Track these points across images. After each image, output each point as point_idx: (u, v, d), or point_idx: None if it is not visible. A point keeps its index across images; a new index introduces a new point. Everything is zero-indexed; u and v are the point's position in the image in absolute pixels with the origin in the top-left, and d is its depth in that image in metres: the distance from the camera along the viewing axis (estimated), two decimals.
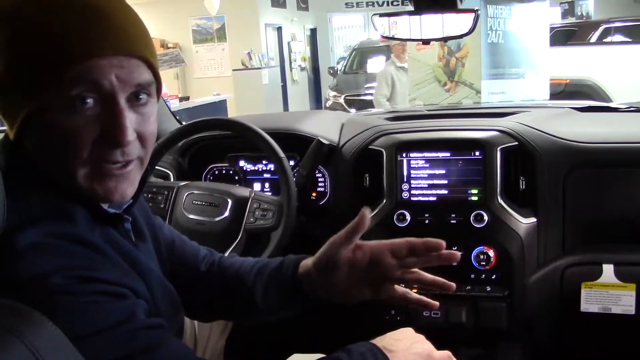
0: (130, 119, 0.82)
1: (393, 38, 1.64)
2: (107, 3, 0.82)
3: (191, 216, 1.64)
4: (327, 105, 9.17)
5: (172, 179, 1.87)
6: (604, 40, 7.59)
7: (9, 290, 0.73)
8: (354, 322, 1.67)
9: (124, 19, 0.83)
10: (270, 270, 1.17)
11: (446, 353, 1.05)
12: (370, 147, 1.70)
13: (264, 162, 1.92)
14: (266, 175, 1.92)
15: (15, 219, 0.75)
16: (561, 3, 12.70)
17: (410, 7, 1.54)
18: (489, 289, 1.59)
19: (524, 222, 1.57)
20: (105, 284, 0.78)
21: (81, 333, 0.73)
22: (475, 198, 1.60)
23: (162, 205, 1.67)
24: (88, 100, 0.79)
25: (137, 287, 0.85)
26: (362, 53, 10.34)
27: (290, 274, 1.15)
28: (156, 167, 1.80)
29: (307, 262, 1.15)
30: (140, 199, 1.02)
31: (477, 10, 1.49)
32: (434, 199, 1.64)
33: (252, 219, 1.61)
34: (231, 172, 1.94)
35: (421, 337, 1.06)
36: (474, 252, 1.59)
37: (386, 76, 6.21)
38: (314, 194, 1.84)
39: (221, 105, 9.44)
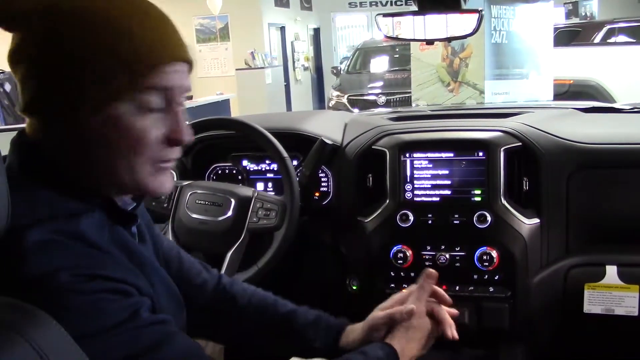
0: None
1: (397, 38, 1.64)
2: (164, 12, 0.89)
3: (194, 215, 1.64)
4: (330, 105, 9.17)
5: (175, 179, 1.87)
6: (608, 40, 7.58)
7: (16, 289, 0.73)
8: (355, 319, 1.67)
9: (173, 25, 0.90)
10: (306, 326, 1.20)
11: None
12: (373, 147, 1.70)
13: (267, 161, 1.92)
14: (269, 175, 1.92)
15: (23, 218, 0.76)
16: (565, 3, 12.69)
17: (414, 7, 1.54)
18: (491, 289, 1.59)
19: (527, 223, 1.57)
20: (111, 282, 0.79)
21: (88, 331, 0.74)
22: (478, 199, 1.60)
23: (165, 205, 1.67)
24: (157, 103, 0.86)
25: (142, 285, 0.86)
26: (365, 53, 10.33)
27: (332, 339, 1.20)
28: None
29: (355, 328, 1.21)
30: (142, 203, 1.04)
31: (481, 10, 1.49)
32: (437, 199, 1.64)
33: (255, 219, 1.61)
34: (234, 171, 1.95)
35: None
36: (477, 253, 1.58)
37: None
38: (317, 194, 1.84)
39: (224, 104, 9.43)
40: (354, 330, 1.20)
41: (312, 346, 1.19)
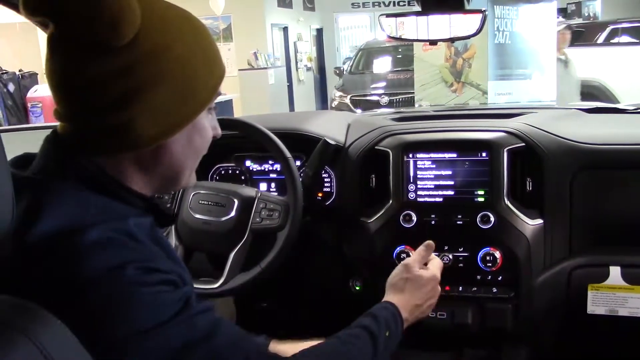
0: None
1: (400, 39, 1.64)
2: None
3: (197, 216, 1.64)
4: (333, 106, 9.16)
5: None
6: (611, 41, 7.57)
7: (74, 290, 0.74)
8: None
9: None
10: None
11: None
12: (376, 147, 1.70)
13: (270, 162, 1.92)
14: (272, 176, 1.92)
15: (78, 220, 0.78)
16: (568, 4, 12.67)
17: (417, 8, 1.54)
18: (495, 290, 1.59)
19: (530, 224, 1.57)
20: (165, 274, 0.82)
21: (152, 323, 0.77)
22: (481, 199, 1.60)
23: (168, 205, 1.68)
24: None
25: (185, 276, 0.88)
26: (368, 53, 10.32)
27: None
28: None
29: None
30: None
31: (484, 10, 1.49)
32: (440, 199, 1.64)
33: (258, 219, 1.61)
34: (237, 172, 1.95)
35: (426, 284, 1.27)
36: (480, 254, 1.58)
37: None
38: (320, 194, 1.84)
39: (227, 105, 9.44)
40: (277, 347, 1.20)
41: None
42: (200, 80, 0.88)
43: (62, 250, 0.76)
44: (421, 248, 1.34)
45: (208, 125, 0.95)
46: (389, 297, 1.24)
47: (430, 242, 1.35)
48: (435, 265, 1.34)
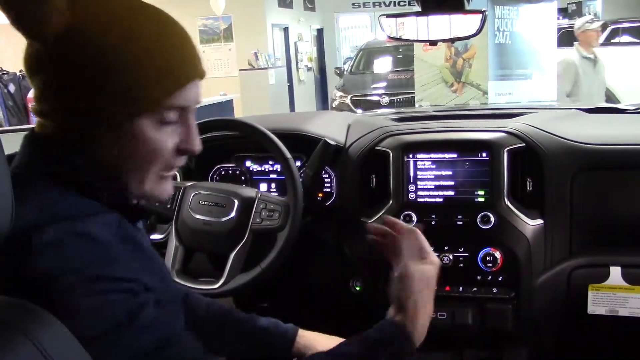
0: None
1: (400, 39, 1.64)
2: (184, 29, 0.92)
3: (198, 216, 1.64)
4: (334, 106, 9.16)
5: (178, 179, 1.87)
6: (612, 41, 7.57)
7: (24, 288, 0.73)
8: (359, 320, 1.68)
9: (192, 43, 0.93)
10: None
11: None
12: (376, 148, 1.70)
13: (270, 162, 1.92)
14: (273, 176, 1.92)
15: (35, 217, 0.78)
16: (569, 3, 12.66)
17: (418, 8, 1.54)
18: (495, 290, 1.59)
19: (530, 224, 1.56)
20: (117, 282, 0.79)
21: (94, 333, 0.75)
22: (481, 199, 1.60)
23: (168, 206, 1.68)
24: (174, 117, 0.89)
25: (148, 280, 0.85)
26: (368, 53, 10.32)
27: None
28: None
29: (305, 334, 1.30)
30: None
31: (484, 11, 1.48)
32: (441, 200, 1.63)
33: (258, 220, 1.61)
34: (238, 172, 1.95)
35: (428, 291, 1.12)
36: (481, 254, 1.58)
37: (569, 69, 4.72)
38: (320, 195, 1.84)
39: (228, 105, 9.43)
40: (305, 335, 1.28)
41: (270, 350, 1.25)
42: (138, 86, 0.84)
43: (17, 251, 0.75)
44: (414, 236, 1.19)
45: (155, 137, 0.88)
46: (396, 315, 1.08)
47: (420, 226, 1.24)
48: (434, 261, 1.14)
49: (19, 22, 0.80)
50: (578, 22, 4.87)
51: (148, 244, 0.97)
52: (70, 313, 0.73)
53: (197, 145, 0.93)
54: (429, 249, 1.14)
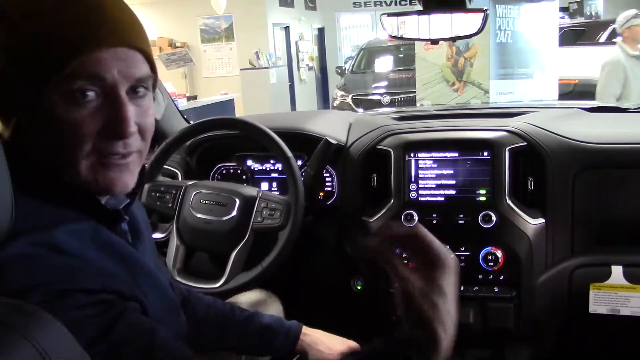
0: (131, 111, 0.83)
1: (401, 38, 1.64)
2: None
3: (199, 215, 1.64)
4: (335, 105, 9.16)
5: (180, 178, 1.87)
6: (614, 40, 7.55)
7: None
8: (360, 319, 1.68)
9: (120, 10, 0.83)
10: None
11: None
12: (377, 147, 1.70)
13: (271, 161, 1.92)
14: (274, 175, 1.92)
15: None
16: (570, 3, 12.64)
17: (419, 7, 1.54)
18: (496, 289, 1.59)
19: (532, 223, 1.56)
20: (87, 295, 0.75)
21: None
22: (483, 198, 1.59)
23: (170, 205, 1.68)
24: (89, 94, 0.79)
25: (124, 289, 0.81)
26: (369, 52, 10.31)
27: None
28: (164, 166, 1.80)
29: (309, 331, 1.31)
30: (138, 201, 1.01)
31: (486, 10, 1.48)
32: (442, 199, 1.63)
33: (259, 219, 1.61)
34: (239, 171, 1.95)
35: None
36: (482, 253, 1.58)
37: (616, 70, 4.38)
38: (321, 194, 1.84)
39: (229, 104, 9.44)
40: (309, 333, 1.29)
41: (273, 348, 1.27)
42: (39, 48, 0.77)
43: None
44: None
45: (73, 117, 0.79)
46: None
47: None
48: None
49: None
50: (621, 18, 4.51)
51: (131, 249, 0.90)
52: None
53: (125, 128, 0.81)
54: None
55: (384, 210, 1.66)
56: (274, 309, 1.53)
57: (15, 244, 0.72)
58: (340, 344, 1.28)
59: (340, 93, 9.25)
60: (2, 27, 0.78)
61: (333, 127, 1.86)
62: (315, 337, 1.29)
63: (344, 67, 11.06)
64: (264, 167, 1.93)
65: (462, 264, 1.60)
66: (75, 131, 0.79)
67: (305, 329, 1.30)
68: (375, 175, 1.71)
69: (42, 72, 0.77)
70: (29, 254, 0.73)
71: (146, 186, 1.69)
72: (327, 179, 1.84)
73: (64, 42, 0.77)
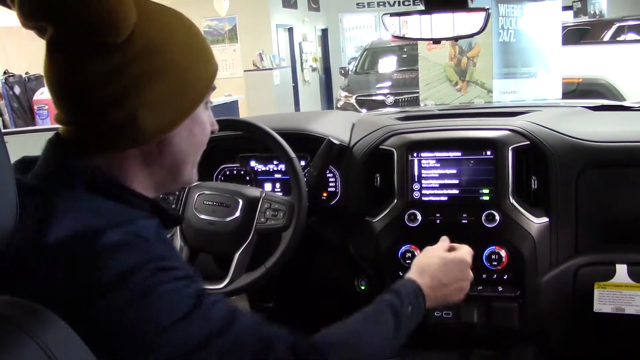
0: None
1: (404, 38, 1.64)
2: None
3: (202, 216, 1.64)
4: (339, 106, 9.15)
5: None
6: (617, 38, 7.54)
7: (93, 294, 0.76)
8: None
9: None
10: None
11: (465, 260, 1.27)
12: (381, 147, 1.70)
13: (275, 162, 1.92)
14: (277, 176, 1.93)
15: (84, 226, 0.79)
16: (574, 1, 12.61)
17: (421, 7, 1.54)
18: (500, 289, 1.58)
19: (536, 222, 1.56)
20: (178, 270, 0.84)
21: (172, 319, 0.78)
22: (486, 198, 1.59)
23: (173, 206, 1.68)
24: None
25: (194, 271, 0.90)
26: (373, 53, 10.31)
27: None
28: None
29: None
30: None
31: (488, 9, 1.48)
32: (445, 198, 1.63)
33: (263, 219, 1.61)
34: (242, 172, 1.95)
35: (463, 277, 1.25)
36: (486, 252, 1.58)
37: None
38: (324, 194, 1.84)
39: (233, 105, 9.44)
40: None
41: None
42: (195, 75, 0.90)
43: (79, 254, 0.77)
44: (443, 238, 1.35)
45: (206, 119, 0.97)
46: (411, 274, 1.21)
47: (445, 237, 1.35)
48: (465, 249, 1.29)
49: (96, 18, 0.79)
50: None
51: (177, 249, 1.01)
52: (151, 304, 0.77)
53: (216, 124, 1.01)
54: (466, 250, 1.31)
55: (387, 210, 1.66)
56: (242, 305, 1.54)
57: (111, 234, 0.79)
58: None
59: (344, 94, 9.25)
60: (165, 57, 0.87)
61: (336, 127, 1.86)
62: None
63: (347, 68, 11.05)
64: (267, 168, 1.93)
65: None
66: (207, 131, 0.98)
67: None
68: (378, 175, 1.71)
69: (201, 92, 0.93)
70: (126, 240, 0.80)
71: None
72: (330, 180, 1.84)
73: (211, 69, 0.96)
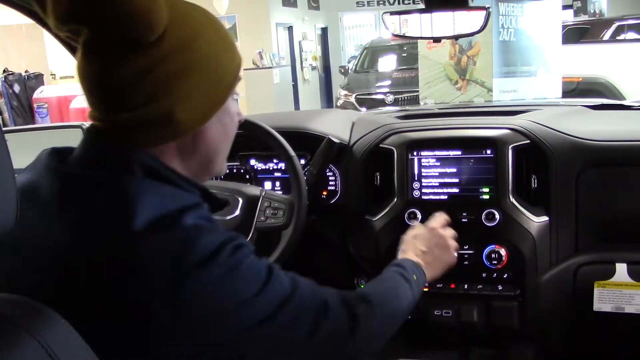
0: None
1: (404, 36, 1.64)
2: None
3: None
4: (338, 105, 9.15)
5: None
6: (617, 37, 7.54)
7: (183, 273, 0.79)
8: None
9: None
10: None
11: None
12: (381, 145, 1.70)
13: (274, 161, 1.92)
14: (277, 174, 1.92)
15: (161, 210, 0.82)
16: (574, 1, 12.61)
17: (421, 5, 1.54)
18: (500, 288, 1.58)
19: (536, 221, 1.56)
20: (248, 247, 0.89)
21: (256, 290, 0.85)
22: (486, 197, 1.59)
23: None
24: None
25: None
26: (373, 52, 10.31)
27: None
28: None
29: None
30: None
31: (488, 8, 1.48)
32: (445, 197, 1.63)
33: (262, 218, 1.61)
34: (242, 170, 1.95)
35: (439, 239, 1.36)
36: (486, 251, 1.58)
37: None
38: (324, 193, 1.84)
39: None
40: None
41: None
42: (225, 66, 0.93)
43: (173, 232, 0.81)
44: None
45: (235, 110, 1.00)
46: (399, 257, 1.31)
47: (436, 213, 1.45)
48: (435, 218, 1.42)
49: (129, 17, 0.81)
50: None
51: None
52: (239, 278, 0.83)
53: (242, 114, 1.04)
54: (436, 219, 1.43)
55: (387, 209, 1.66)
56: None
57: (186, 218, 0.83)
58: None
59: (343, 92, 9.25)
60: (198, 53, 0.89)
61: (336, 126, 1.86)
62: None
63: (347, 67, 11.05)
64: (267, 167, 1.93)
65: (466, 263, 1.60)
66: (236, 121, 1.02)
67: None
68: (378, 174, 1.71)
69: (230, 82, 0.95)
70: (200, 224, 0.84)
71: None
72: (330, 178, 1.84)
73: (235, 62, 0.96)
